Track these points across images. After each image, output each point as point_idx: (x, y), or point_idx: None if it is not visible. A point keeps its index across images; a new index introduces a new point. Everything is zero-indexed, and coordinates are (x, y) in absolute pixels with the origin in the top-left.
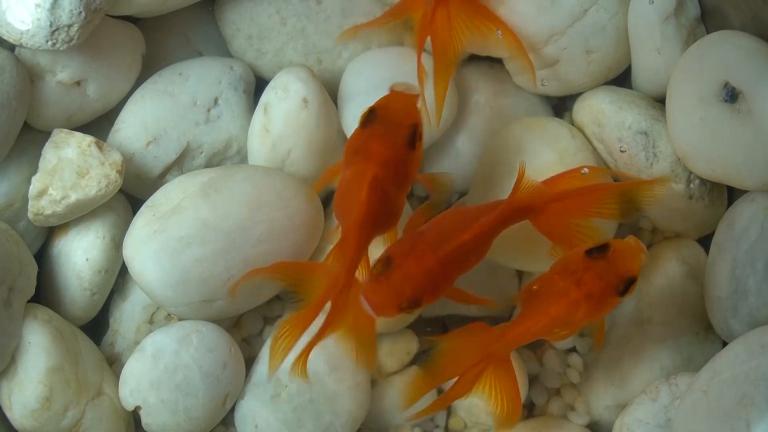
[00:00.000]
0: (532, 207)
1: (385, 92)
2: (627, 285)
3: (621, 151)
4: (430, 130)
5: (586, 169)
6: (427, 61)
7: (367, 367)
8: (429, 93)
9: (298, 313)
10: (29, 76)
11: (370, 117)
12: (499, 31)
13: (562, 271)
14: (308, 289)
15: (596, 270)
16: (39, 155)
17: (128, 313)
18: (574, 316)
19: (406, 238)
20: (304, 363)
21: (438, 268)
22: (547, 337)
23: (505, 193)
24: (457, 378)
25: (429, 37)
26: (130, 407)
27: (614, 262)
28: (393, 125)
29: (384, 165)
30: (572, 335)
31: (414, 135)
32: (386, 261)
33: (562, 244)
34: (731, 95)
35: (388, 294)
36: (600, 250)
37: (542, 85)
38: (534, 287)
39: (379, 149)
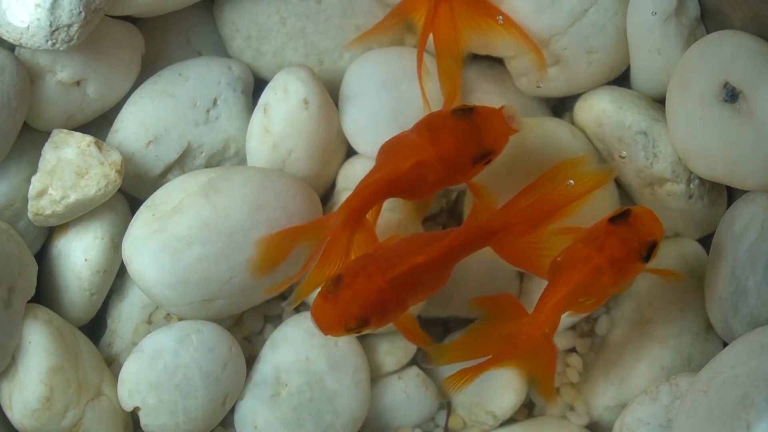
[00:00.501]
0: (490, 231)
1: (385, 92)
2: (649, 249)
3: (621, 158)
4: None
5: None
6: (429, 61)
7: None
8: (428, 92)
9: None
10: (29, 76)
11: (464, 111)
12: (501, 17)
13: (585, 239)
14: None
15: (618, 236)
16: (39, 155)
17: (126, 314)
18: (598, 282)
19: (359, 258)
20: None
21: (388, 290)
22: (575, 308)
23: (504, 193)
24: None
25: (431, 36)
26: (128, 408)
27: (636, 228)
28: (472, 137)
29: (441, 159)
30: (599, 305)
31: (482, 157)
32: (336, 279)
33: (528, 269)
34: (731, 95)
35: (335, 312)
36: (621, 217)
37: (538, 86)
38: (558, 259)
39: (448, 145)
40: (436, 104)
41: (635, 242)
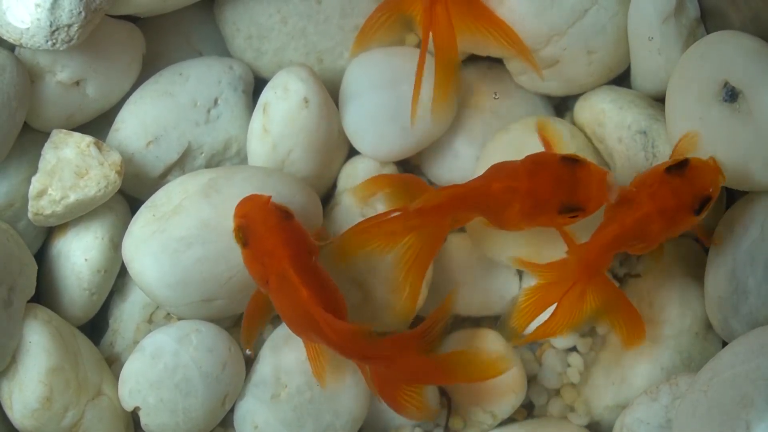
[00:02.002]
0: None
1: (386, 92)
2: (702, 204)
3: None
4: (429, 130)
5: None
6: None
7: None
8: (425, 92)
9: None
10: (29, 76)
11: (571, 160)
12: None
13: (640, 185)
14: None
15: (672, 186)
16: (39, 155)
17: (128, 313)
18: (648, 228)
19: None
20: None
21: None
22: (629, 249)
23: None
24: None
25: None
26: (129, 407)
27: (691, 180)
28: (567, 186)
29: (530, 193)
30: (650, 249)
31: (569, 209)
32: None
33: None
34: (731, 95)
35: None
36: (678, 167)
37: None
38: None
39: (541, 183)
40: (435, 101)
41: (688, 195)
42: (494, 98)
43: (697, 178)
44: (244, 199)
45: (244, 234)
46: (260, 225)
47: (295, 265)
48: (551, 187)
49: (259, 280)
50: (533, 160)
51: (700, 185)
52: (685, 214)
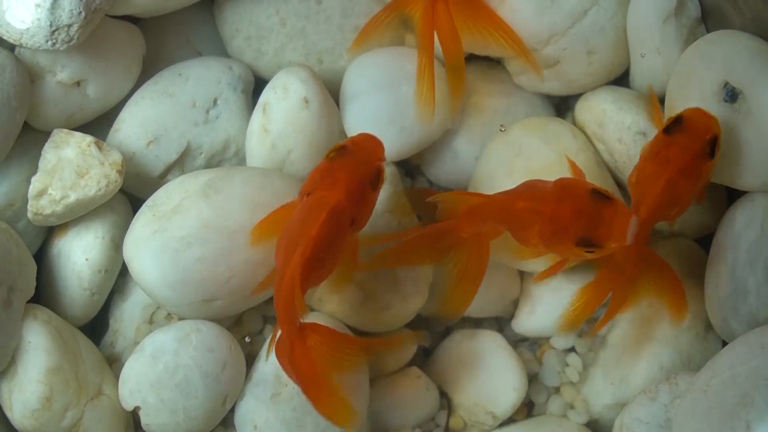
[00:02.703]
0: None
1: (386, 92)
2: (712, 146)
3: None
4: (429, 130)
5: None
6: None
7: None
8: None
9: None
10: (29, 76)
11: (599, 194)
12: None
13: (650, 156)
14: None
15: (678, 144)
16: (39, 155)
17: (128, 313)
18: (677, 192)
19: None
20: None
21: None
22: (666, 218)
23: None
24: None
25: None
26: (129, 407)
27: (692, 129)
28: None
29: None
30: (687, 208)
31: (585, 243)
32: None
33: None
34: (731, 95)
35: None
36: (675, 124)
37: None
38: (633, 180)
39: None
40: (452, 100)
41: (697, 144)
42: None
43: (698, 125)
44: (366, 137)
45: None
46: (348, 170)
47: (331, 217)
48: (573, 218)
49: (306, 187)
50: (563, 186)
51: (704, 130)
52: (702, 162)
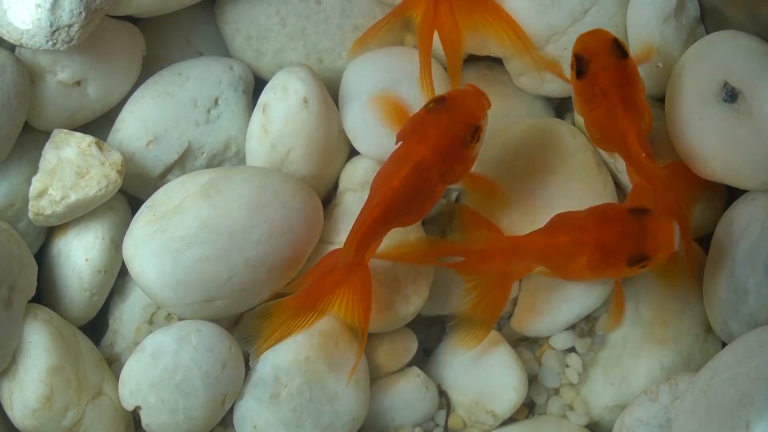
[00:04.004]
0: None
1: (387, 91)
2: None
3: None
4: None
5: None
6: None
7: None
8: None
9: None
10: (29, 76)
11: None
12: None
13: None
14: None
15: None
16: (39, 155)
17: (128, 314)
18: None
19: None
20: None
21: None
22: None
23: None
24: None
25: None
26: (129, 407)
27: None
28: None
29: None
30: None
31: (638, 260)
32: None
33: None
34: (731, 95)
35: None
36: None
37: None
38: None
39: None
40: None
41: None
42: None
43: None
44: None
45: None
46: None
47: (415, 171)
48: (620, 240)
49: (401, 134)
50: (601, 212)
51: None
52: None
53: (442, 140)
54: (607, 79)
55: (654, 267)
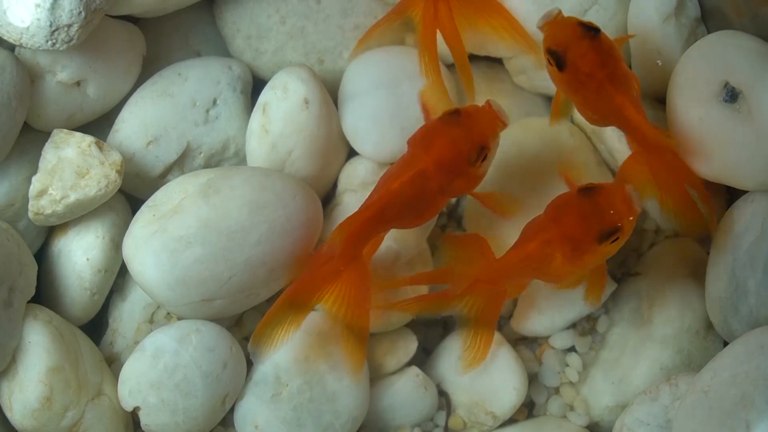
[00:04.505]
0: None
1: (385, 92)
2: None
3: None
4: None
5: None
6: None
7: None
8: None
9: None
10: (29, 76)
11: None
12: None
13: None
14: None
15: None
16: (39, 155)
17: (128, 313)
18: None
19: None
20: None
21: None
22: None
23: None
24: None
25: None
26: (129, 407)
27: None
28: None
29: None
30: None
31: (609, 234)
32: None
33: None
34: (731, 95)
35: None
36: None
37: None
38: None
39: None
40: (467, 94)
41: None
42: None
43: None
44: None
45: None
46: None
47: (414, 179)
48: (582, 224)
49: (412, 138)
50: (554, 206)
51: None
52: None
53: (446, 154)
54: (587, 62)
55: (627, 233)
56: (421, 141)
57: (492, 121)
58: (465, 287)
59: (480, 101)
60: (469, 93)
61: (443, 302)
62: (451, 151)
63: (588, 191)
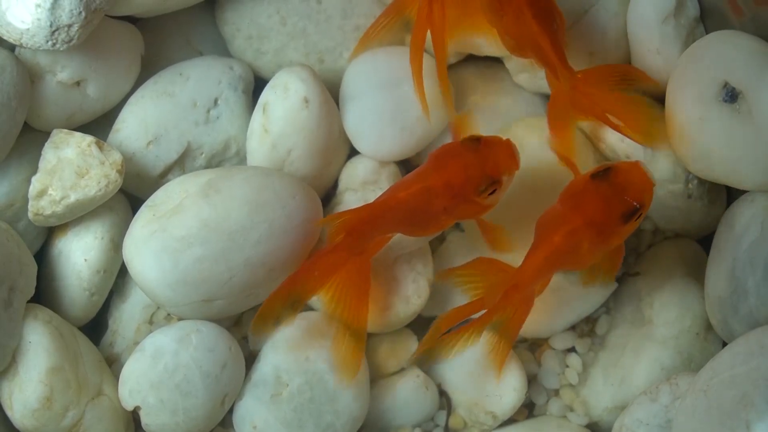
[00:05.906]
0: None
1: (386, 91)
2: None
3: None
4: (428, 130)
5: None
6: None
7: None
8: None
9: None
10: (29, 76)
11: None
12: None
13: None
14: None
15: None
16: (39, 155)
17: (128, 314)
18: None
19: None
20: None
21: None
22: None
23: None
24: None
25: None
26: (129, 407)
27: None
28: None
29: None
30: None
31: (631, 215)
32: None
33: None
34: (731, 95)
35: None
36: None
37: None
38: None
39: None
40: (434, 105)
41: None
42: None
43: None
44: (502, 142)
45: (465, 142)
46: (459, 164)
47: (420, 195)
48: (603, 208)
49: (434, 152)
50: (569, 195)
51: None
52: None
53: (455, 178)
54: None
55: (648, 206)
56: (437, 158)
57: (509, 157)
58: (499, 299)
59: (477, 102)
60: (445, 96)
61: (485, 323)
62: (460, 176)
63: (603, 174)
